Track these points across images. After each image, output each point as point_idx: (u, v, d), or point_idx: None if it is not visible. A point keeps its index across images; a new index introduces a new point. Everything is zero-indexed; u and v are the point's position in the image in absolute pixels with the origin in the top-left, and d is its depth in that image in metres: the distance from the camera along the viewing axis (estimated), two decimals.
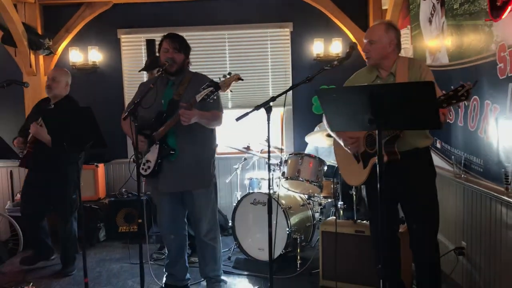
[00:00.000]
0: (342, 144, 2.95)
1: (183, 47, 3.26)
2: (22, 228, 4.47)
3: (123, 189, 5.15)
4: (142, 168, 3.27)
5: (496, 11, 2.74)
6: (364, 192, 4.00)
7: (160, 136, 3.19)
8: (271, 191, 4.01)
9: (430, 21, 3.99)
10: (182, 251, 3.54)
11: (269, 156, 2.51)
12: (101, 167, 5.32)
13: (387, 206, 2.98)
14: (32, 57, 5.11)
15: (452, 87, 2.15)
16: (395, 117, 2.08)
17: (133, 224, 5.01)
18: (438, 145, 3.90)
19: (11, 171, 5.29)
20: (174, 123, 3.10)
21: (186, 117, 2.99)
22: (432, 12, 3.93)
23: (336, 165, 3.59)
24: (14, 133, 4.01)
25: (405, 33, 4.69)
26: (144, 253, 4.11)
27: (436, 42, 3.87)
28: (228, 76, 3.21)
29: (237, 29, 5.41)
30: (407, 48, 4.63)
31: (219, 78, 3.28)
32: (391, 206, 2.99)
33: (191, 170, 3.24)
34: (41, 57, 5.25)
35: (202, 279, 3.64)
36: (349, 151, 2.96)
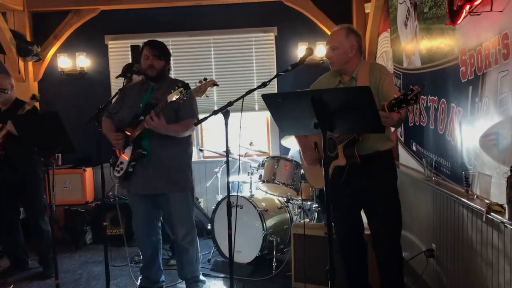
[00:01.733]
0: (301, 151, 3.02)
1: (163, 54, 3.33)
2: None
3: (110, 193, 5.23)
4: (116, 170, 3.34)
5: (453, 16, 2.77)
6: None
7: (133, 138, 3.25)
8: (249, 194, 4.10)
9: (406, 25, 4.01)
10: (156, 254, 3.59)
11: (227, 160, 2.56)
12: (89, 171, 5.41)
13: (350, 209, 3.03)
14: (21, 63, 5.23)
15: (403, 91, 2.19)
16: (339, 121, 2.11)
17: (120, 228, 5.08)
18: (414, 148, 3.92)
19: None
20: (144, 126, 3.17)
21: (149, 124, 3.07)
22: (407, 15, 3.96)
23: None
24: None
25: (385, 37, 4.72)
26: (125, 256, 4.27)
27: (411, 45, 3.89)
28: (203, 82, 3.29)
29: (222, 34, 5.48)
30: (387, 51, 4.66)
31: (195, 84, 3.36)
32: (354, 209, 3.03)
33: (165, 174, 3.29)
34: (30, 64, 5.36)
35: (179, 281, 3.70)
36: (304, 159, 3.02)
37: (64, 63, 5.43)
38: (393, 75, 4.46)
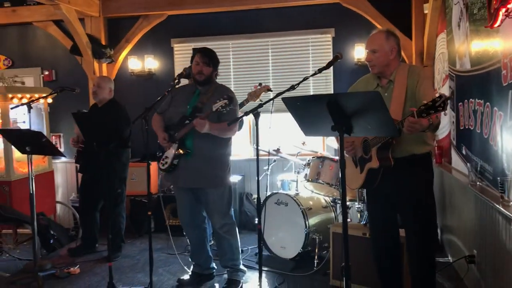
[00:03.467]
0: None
1: (212, 61, 3.59)
2: (80, 217, 5.00)
3: (172, 186, 5.58)
4: (161, 163, 3.66)
5: (491, 18, 2.72)
6: None
7: (179, 137, 3.54)
8: (295, 192, 4.22)
9: (459, 26, 3.93)
10: (203, 242, 3.86)
11: (257, 158, 2.71)
12: (154, 165, 5.80)
13: (385, 212, 3.06)
14: (96, 65, 5.73)
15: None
16: (356, 124, 2.20)
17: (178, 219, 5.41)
18: (464, 152, 3.84)
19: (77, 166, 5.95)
20: (191, 128, 3.44)
21: (199, 126, 3.33)
22: (460, 16, 3.88)
23: None
24: None
25: (442, 38, 4.62)
26: (180, 245, 4.58)
27: (463, 47, 3.81)
28: (258, 87, 3.52)
29: (280, 36, 5.62)
30: (444, 53, 4.56)
31: (251, 89, 3.60)
32: (389, 212, 3.05)
33: (204, 170, 3.55)
34: (104, 65, 5.85)
35: (226, 272, 3.92)
36: (346, 154, 3.06)
37: (134, 64, 5.86)
38: (447, 77, 4.37)
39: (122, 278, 4.00)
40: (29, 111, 3.94)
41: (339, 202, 4.32)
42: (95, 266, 4.37)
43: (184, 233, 3.94)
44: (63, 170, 6.09)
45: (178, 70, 5.87)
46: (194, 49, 5.23)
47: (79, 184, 5.92)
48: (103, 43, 5.79)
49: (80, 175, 5.71)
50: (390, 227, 3.08)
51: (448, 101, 2.25)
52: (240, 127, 3.99)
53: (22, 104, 4.08)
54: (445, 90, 4.45)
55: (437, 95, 2.30)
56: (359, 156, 3.00)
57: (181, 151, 3.49)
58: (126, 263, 4.43)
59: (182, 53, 5.88)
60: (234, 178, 5.00)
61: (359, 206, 3.95)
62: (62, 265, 4.32)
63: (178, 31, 5.85)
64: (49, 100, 5.13)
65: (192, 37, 5.81)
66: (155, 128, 3.69)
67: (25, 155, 3.81)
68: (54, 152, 3.86)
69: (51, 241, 4.66)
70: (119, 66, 5.95)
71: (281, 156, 4.62)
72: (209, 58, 3.56)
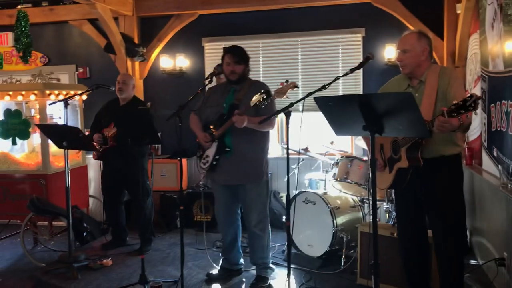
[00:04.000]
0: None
1: (243, 58, 3.66)
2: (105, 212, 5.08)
3: (201, 182, 5.69)
4: (202, 162, 3.74)
5: None
6: None
7: (219, 135, 3.61)
8: (323, 191, 4.26)
9: (493, 26, 3.89)
10: (236, 239, 3.94)
11: (287, 157, 2.76)
12: (183, 162, 5.91)
13: (414, 212, 3.07)
14: (129, 63, 5.88)
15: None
16: (387, 124, 2.23)
17: (207, 214, 5.51)
18: (495, 153, 3.80)
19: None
20: (230, 125, 3.51)
21: (238, 121, 3.40)
22: (494, 17, 3.84)
23: None
24: None
25: (475, 38, 4.57)
26: (208, 241, 4.68)
27: (496, 48, 3.77)
28: (285, 84, 3.57)
29: (310, 36, 5.65)
30: (476, 53, 4.51)
31: (277, 85, 3.65)
32: (418, 212, 3.06)
33: (244, 167, 3.62)
34: (136, 63, 5.99)
35: (254, 267, 3.98)
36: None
37: (166, 63, 5.98)
38: (479, 78, 4.33)
39: (153, 271, 4.11)
40: (66, 107, 4.09)
41: (367, 201, 4.33)
42: (126, 258, 4.51)
43: (219, 229, 4.01)
44: (96, 165, 6.23)
45: (208, 68, 5.96)
46: (224, 48, 5.31)
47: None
48: (136, 41, 5.92)
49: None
50: (418, 227, 3.10)
51: (479, 101, 2.25)
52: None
53: (60, 101, 4.23)
54: (476, 91, 4.40)
55: (468, 95, 2.31)
56: (388, 156, 3.02)
57: (221, 150, 3.59)
58: (157, 257, 4.55)
59: (213, 52, 5.97)
60: None
61: (387, 206, 3.96)
62: (95, 257, 4.47)
63: (209, 30, 5.94)
64: (84, 97, 5.29)
65: (222, 36, 5.89)
66: (193, 128, 3.79)
67: (61, 150, 3.97)
68: (89, 148, 3.99)
69: (84, 234, 4.81)
70: (151, 64, 6.08)
71: (310, 155, 4.65)
72: (239, 57, 3.62)
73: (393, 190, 3.64)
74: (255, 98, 3.31)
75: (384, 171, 3.06)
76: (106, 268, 4.24)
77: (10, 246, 5.18)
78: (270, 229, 3.86)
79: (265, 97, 3.26)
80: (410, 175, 2.88)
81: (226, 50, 3.69)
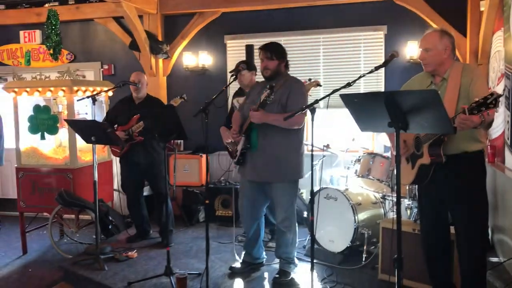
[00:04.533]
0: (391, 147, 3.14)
1: (275, 54, 3.64)
2: (128, 207, 5.16)
3: (222, 178, 5.78)
4: (234, 156, 3.85)
5: None
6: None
7: (244, 130, 3.69)
8: (344, 187, 4.30)
9: None
10: (258, 233, 4.00)
11: (312, 154, 2.82)
12: (205, 157, 5.99)
13: (436, 208, 3.10)
14: (153, 60, 5.98)
15: None
16: (412, 121, 2.27)
17: (229, 209, 5.59)
18: None
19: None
20: (249, 121, 3.58)
21: (253, 117, 3.48)
22: None
23: None
24: None
25: (499, 36, 4.56)
26: (230, 235, 4.76)
27: None
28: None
29: (332, 33, 5.69)
30: (500, 51, 4.50)
31: None
32: (440, 208, 3.09)
33: (269, 164, 3.64)
34: (160, 61, 6.10)
35: (276, 261, 4.05)
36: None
37: (189, 60, 6.07)
38: (503, 76, 4.31)
39: (177, 264, 4.21)
40: (93, 104, 4.20)
41: (389, 198, 4.36)
42: (150, 251, 4.62)
43: (242, 223, 4.09)
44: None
45: (230, 66, 6.03)
46: (247, 45, 5.39)
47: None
48: (160, 39, 6.03)
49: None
50: (441, 224, 3.12)
51: (500, 99, 2.28)
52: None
53: (88, 97, 4.34)
54: (500, 89, 4.39)
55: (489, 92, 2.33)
56: (411, 152, 3.05)
57: (246, 144, 3.67)
58: (180, 250, 4.65)
59: (235, 49, 6.04)
60: None
61: (409, 203, 3.98)
62: (120, 249, 4.60)
63: (231, 27, 6.02)
64: (110, 93, 5.41)
65: (244, 34, 5.96)
66: (233, 123, 3.87)
67: (88, 145, 4.08)
68: (117, 143, 4.10)
69: (110, 227, 4.94)
70: (174, 61, 6.19)
71: (331, 152, 4.69)
72: (271, 52, 3.62)
73: (416, 187, 3.66)
74: (261, 95, 3.37)
75: (407, 166, 3.09)
76: (131, 260, 4.36)
77: (37, 238, 5.36)
78: (297, 227, 3.87)
79: (269, 93, 3.30)
80: (433, 171, 2.91)
81: (260, 47, 3.71)
